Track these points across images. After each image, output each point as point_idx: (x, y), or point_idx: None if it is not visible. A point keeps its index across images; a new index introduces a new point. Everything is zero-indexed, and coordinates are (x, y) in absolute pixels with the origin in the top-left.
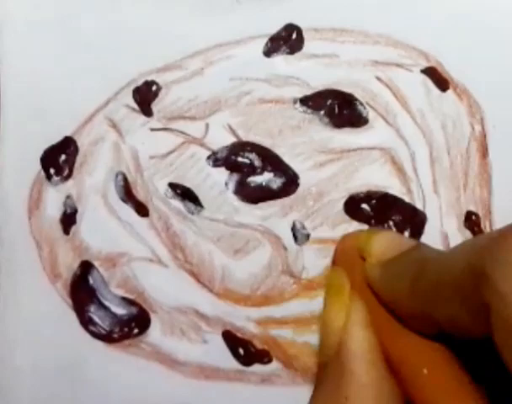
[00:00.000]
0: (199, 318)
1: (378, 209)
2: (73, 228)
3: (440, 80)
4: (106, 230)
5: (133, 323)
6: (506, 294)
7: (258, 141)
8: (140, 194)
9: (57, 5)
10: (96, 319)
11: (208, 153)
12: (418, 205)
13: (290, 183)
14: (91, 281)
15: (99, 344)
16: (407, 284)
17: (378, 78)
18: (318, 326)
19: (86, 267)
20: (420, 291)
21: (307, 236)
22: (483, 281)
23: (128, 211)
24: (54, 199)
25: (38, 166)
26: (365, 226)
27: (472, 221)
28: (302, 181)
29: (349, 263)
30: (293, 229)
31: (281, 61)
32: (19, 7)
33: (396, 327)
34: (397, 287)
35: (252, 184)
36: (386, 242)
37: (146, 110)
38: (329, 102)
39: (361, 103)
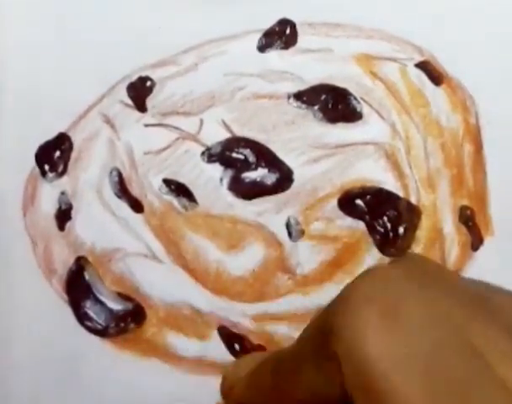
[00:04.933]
0: (194, 313)
1: (373, 204)
2: (68, 224)
3: (434, 74)
4: (101, 225)
5: (129, 318)
6: (348, 337)
7: (252, 137)
8: (134, 190)
9: (54, 3)
10: (92, 314)
11: (202, 149)
12: (413, 200)
13: (285, 178)
14: (86, 277)
15: (95, 339)
16: (268, 379)
17: (372, 73)
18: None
19: (81, 262)
20: (279, 378)
21: (302, 232)
22: (331, 336)
23: (123, 207)
24: (49, 195)
25: (32, 162)
26: (360, 222)
27: (466, 216)
28: (297, 176)
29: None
30: (287, 225)
31: (275, 56)
32: (17, 5)
33: None
34: (260, 386)
35: (246, 180)
36: (246, 362)
37: (141, 106)
38: (323, 97)
39: (355, 98)
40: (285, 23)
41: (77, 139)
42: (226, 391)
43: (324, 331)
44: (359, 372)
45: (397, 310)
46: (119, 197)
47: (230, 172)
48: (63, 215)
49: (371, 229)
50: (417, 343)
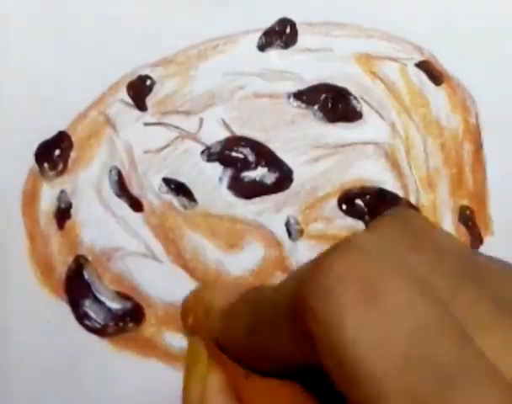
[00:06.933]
0: None
1: (372, 204)
2: (68, 223)
3: (434, 74)
4: (100, 224)
5: (128, 317)
6: (325, 320)
7: (252, 136)
8: (134, 189)
9: (54, 2)
10: (91, 313)
11: (202, 148)
12: (413, 200)
13: (284, 178)
14: (86, 276)
15: (94, 338)
16: (242, 325)
17: (372, 72)
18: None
19: (80, 261)
20: (253, 329)
21: (301, 232)
22: (305, 311)
23: (122, 206)
24: (48, 193)
25: (32, 160)
26: (360, 222)
27: (466, 216)
28: (296, 176)
29: (198, 323)
30: (287, 224)
31: (275, 56)
32: (18, 4)
33: (245, 378)
34: (234, 331)
35: (246, 179)
36: (226, 291)
37: (141, 105)
38: (323, 96)
39: (355, 98)
40: (284, 22)
41: (76, 138)
42: (201, 317)
43: (297, 301)
44: (335, 356)
45: (374, 289)
46: (118, 196)
47: (229, 172)
48: (63, 214)
49: None
50: (397, 325)
